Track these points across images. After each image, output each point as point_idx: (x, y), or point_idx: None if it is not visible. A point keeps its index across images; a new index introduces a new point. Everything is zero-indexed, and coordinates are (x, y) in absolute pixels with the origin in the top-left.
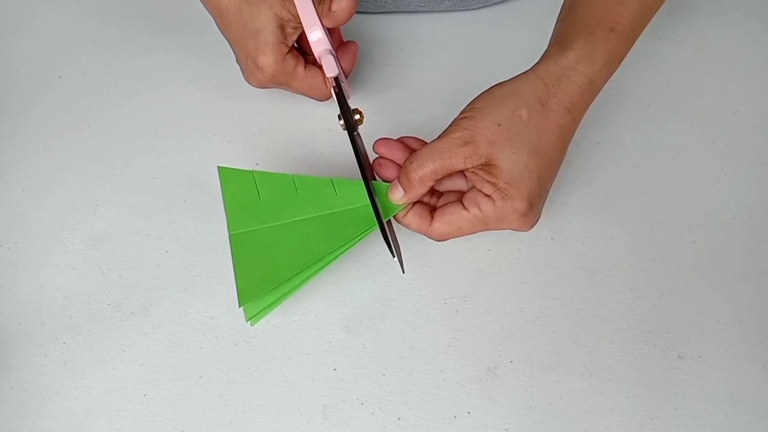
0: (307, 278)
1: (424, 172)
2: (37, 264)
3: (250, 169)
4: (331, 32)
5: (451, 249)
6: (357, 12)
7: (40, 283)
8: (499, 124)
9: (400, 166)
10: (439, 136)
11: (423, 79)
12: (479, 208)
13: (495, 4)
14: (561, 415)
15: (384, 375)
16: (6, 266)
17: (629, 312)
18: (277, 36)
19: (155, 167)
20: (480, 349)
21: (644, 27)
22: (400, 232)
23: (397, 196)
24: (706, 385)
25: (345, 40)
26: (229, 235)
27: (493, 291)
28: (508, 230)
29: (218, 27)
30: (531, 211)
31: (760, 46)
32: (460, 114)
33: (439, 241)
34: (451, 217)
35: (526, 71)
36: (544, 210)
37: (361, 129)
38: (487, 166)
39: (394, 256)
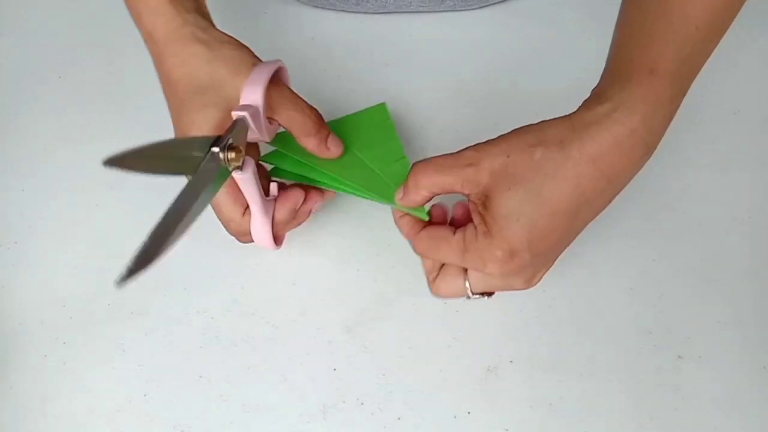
0: (321, 177)
1: (421, 180)
2: (37, 264)
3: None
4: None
5: None
6: (358, 12)
7: (40, 283)
8: (508, 156)
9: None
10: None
11: (423, 80)
12: (463, 235)
13: (495, 3)
14: (561, 415)
15: (384, 375)
16: (6, 266)
17: (629, 312)
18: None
19: None
20: (480, 349)
21: (702, 62)
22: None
23: (398, 195)
24: (706, 385)
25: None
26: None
27: None
28: (491, 291)
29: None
30: (513, 261)
31: (760, 46)
32: None
33: (419, 254)
34: (435, 232)
35: (567, 115)
36: None
37: None
38: (484, 197)
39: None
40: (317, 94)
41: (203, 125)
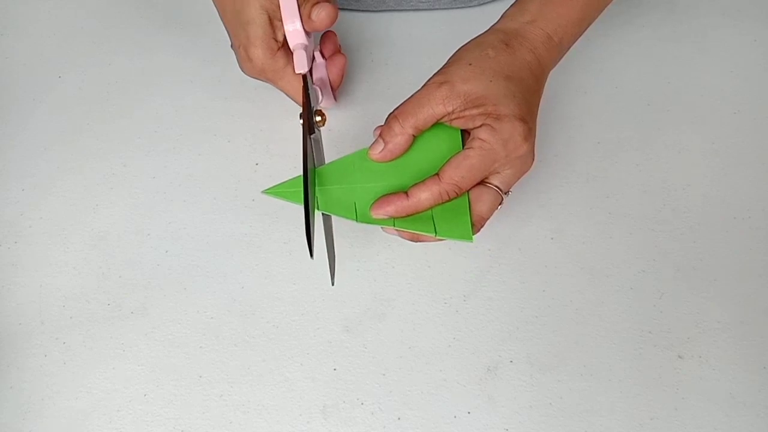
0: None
1: (406, 119)
2: (37, 264)
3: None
4: (326, 41)
5: (451, 249)
6: (357, 10)
7: (40, 283)
8: (470, 64)
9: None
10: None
11: (423, 77)
12: (480, 139)
13: (495, 0)
14: (561, 415)
15: (384, 375)
16: (6, 266)
17: (629, 312)
18: (265, 30)
19: (155, 167)
20: (480, 349)
21: (605, 3)
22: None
23: (377, 149)
24: (706, 385)
25: (337, 52)
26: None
27: (493, 291)
28: (515, 183)
29: (218, 13)
30: (528, 130)
31: (760, 46)
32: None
33: (450, 196)
34: (456, 159)
35: (486, 30)
36: (543, 210)
37: (362, 126)
38: (470, 101)
39: (312, 257)
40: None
41: (258, 29)
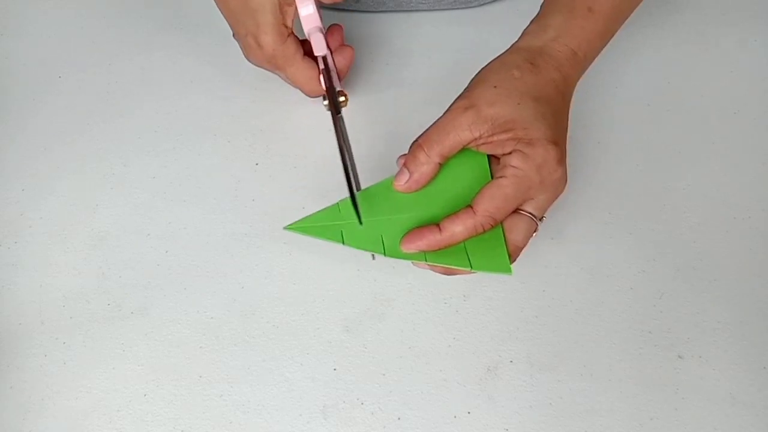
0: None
1: (431, 147)
2: (37, 264)
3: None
4: (332, 33)
5: None
6: (357, 11)
7: (40, 283)
8: (495, 86)
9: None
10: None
11: (423, 78)
12: (513, 166)
13: (495, 1)
14: (561, 415)
15: (384, 375)
16: (6, 266)
17: (629, 312)
18: (276, 16)
19: (155, 167)
20: (480, 349)
21: (627, 13)
22: None
23: (402, 180)
24: (706, 385)
25: (344, 44)
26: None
27: (493, 291)
28: (549, 208)
29: (216, 3)
30: (561, 153)
31: (760, 46)
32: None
33: (485, 228)
34: (490, 189)
35: (508, 48)
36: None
37: (363, 127)
38: (499, 126)
39: (360, 223)
40: None
41: (268, 15)
